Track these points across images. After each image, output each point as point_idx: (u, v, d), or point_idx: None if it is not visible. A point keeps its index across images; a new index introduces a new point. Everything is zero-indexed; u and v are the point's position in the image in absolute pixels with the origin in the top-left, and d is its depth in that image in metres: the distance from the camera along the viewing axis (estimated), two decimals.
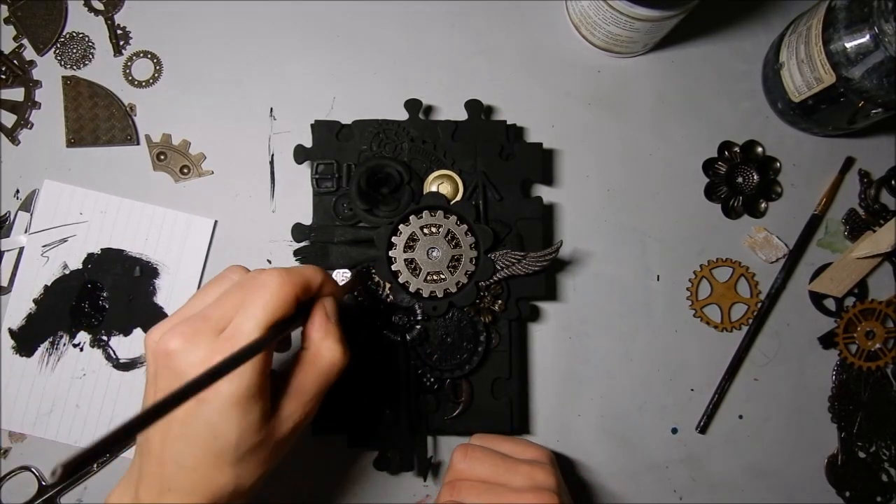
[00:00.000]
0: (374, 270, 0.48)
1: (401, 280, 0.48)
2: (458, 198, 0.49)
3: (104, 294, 0.51)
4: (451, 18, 0.56)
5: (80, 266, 0.52)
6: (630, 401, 0.53)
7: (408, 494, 0.51)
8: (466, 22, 0.56)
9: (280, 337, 0.34)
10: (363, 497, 0.51)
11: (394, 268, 0.48)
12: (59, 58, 0.54)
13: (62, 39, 0.54)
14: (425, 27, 0.55)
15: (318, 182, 0.50)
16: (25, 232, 0.52)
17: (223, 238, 0.53)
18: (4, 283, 0.51)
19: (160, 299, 0.52)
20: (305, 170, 0.52)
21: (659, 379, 0.53)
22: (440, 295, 0.48)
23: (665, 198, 0.55)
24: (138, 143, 0.53)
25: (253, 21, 0.55)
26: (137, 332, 0.51)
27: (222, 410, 0.32)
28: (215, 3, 0.55)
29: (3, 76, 0.54)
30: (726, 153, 0.55)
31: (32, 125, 0.53)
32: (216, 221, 0.53)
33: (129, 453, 0.50)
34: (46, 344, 0.51)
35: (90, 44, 0.54)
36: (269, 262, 0.53)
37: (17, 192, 0.52)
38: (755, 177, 0.55)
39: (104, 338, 0.51)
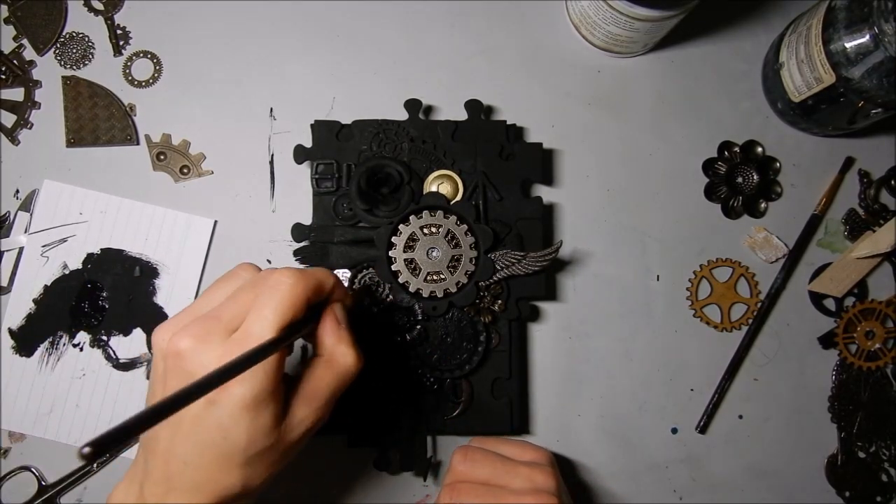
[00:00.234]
0: (374, 270, 0.48)
1: (401, 280, 0.48)
2: (458, 198, 0.49)
3: (104, 294, 0.51)
4: (451, 18, 0.56)
5: (80, 266, 0.52)
6: (630, 401, 0.53)
7: (408, 494, 0.51)
8: (466, 22, 0.56)
9: (293, 339, 0.33)
10: (363, 497, 0.51)
11: (394, 268, 0.48)
12: (59, 58, 0.54)
13: (62, 39, 0.54)
14: (425, 27, 0.55)
15: (318, 182, 0.50)
16: (25, 232, 0.52)
17: (223, 238, 0.53)
18: (4, 283, 0.51)
19: (160, 299, 0.52)
20: (305, 170, 0.52)
21: (659, 379, 0.53)
22: (440, 295, 0.48)
23: (665, 198, 0.55)
24: (138, 143, 0.53)
25: (253, 21, 0.55)
26: (137, 332, 0.51)
27: (233, 413, 0.31)
28: (215, 3, 0.55)
29: (3, 76, 0.54)
30: (726, 153, 0.55)
31: (32, 125, 0.53)
32: (216, 221, 0.53)
33: (129, 453, 0.50)
34: (46, 344, 0.51)
35: (90, 44, 0.54)
36: (269, 262, 0.53)
37: (17, 192, 0.52)
38: (755, 177, 0.55)
39: (104, 338, 0.51)
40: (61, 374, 0.51)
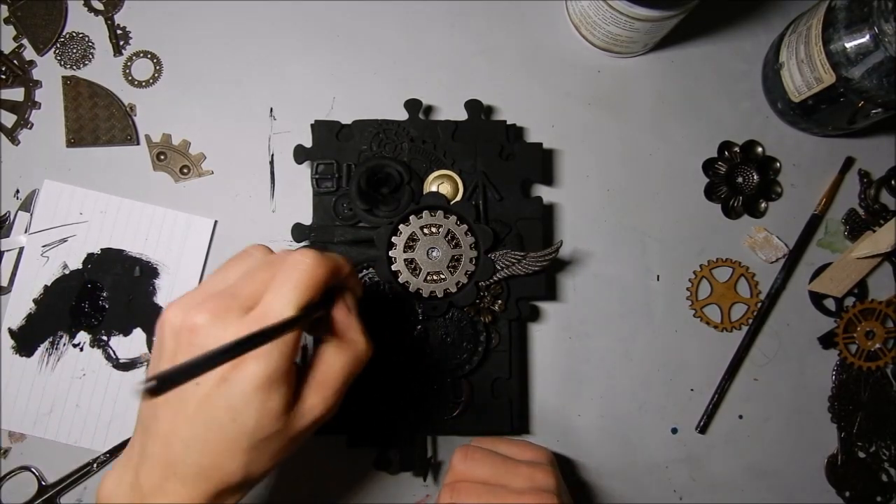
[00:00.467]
0: (374, 270, 0.48)
1: (401, 280, 0.48)
2: (458, 198, 0.49)
3: (104, 294, 0.51)
4: (451, 18, 0.56)
5: (80, 266, 0.52)
6: (630, 401, 0.53)
7: (408, 494, 0.51)
8: (466, 22, 0.56)
9: (311, 318, 0.33)
10: (363, 497, 0.51)
11: (394, 268, 0.48)
12: (59, 58, 0.54)
13: (62, 39, 0.54)
14: (425, 27, 0.55)
15: (318, 182, 0.50)
16: (25, 232, 0.52)
17: (223, 238, 0.53)
18: (4, 283, 0.51)
19: (160, 299, 0.52)
20: (305, 170, 0.52)
21: (659, 379, 0.53)
22: (440, 295, 0.48)
23: (665, 198, 0.55)
24: (138, 143, 0.53)
25: (253, 21, 0.55)
26: (137, 332, 0.51)
27: (245, 392, 0.31)
28: (215, 3, 0.55)
29: (3, 76, 0.54)
30: (726, 153, 0.55)
31: (32, 125, 0.53)
32: (216, 221, 0.53)
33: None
34: (46, 344, 0.51)
35: (90, 44, 0.54)
36: None
37: (17, 192, 0.52)
38: (755, 177, 0.55)
39: (104, 338, 0.51)
40: (61, 374, 0.51)
